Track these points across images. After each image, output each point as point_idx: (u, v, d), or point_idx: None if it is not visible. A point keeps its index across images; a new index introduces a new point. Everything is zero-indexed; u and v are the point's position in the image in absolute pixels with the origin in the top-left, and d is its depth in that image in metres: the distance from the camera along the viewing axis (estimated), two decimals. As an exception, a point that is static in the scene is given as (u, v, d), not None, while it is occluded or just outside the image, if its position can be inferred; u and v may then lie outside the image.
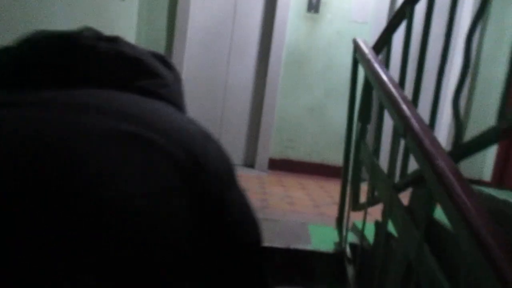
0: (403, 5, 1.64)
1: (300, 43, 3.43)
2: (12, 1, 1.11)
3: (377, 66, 1.61)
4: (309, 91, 3.48)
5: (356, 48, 1.89)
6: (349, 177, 2.01)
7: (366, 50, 1.76)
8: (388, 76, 1.51)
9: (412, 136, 1.11)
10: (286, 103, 3.48)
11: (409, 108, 1.30)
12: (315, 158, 3.53)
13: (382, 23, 3.39)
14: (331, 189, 3.07)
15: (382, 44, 1.87)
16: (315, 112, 3.50)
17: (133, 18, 2.09)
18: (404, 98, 1.37)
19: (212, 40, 3.45)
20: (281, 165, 3.51)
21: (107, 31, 1.80)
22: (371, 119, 1.97)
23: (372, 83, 1.65)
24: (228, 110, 3.52)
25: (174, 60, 3.32)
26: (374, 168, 1.65)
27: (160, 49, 3.35)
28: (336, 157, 3.52)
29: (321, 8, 3.39)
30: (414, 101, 1.49)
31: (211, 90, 3.50)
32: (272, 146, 3.51)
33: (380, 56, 2.02)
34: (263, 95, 3.48)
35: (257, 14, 3.44)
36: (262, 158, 3.49)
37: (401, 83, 1.60)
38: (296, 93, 3.48)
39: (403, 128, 1.19)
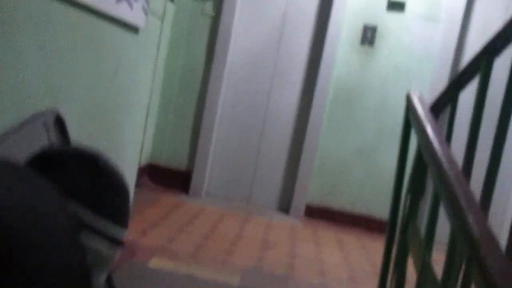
0: (479, 56, 1.24)
1: (351, 78, 3.04)
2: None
3: (432, 138, 1.21)
4: (358, 131, 3.07)
5: (409, 105, 1.49)
6: (392, 261, 1.60)
7: (421, 112, 1.36)
8: (448, 157, 1.12)
9: (477, 260, 0.73)
10: (330, 143, 3.10)
11: (470, 209, 0.91)
12: (360, 209, 3.10)
13: (448, 59, 2.92)
14: (375, 251, 2.63)
15: (444, 102, 1.47)
16: (363, 155, 3.08)
17: (150, 51, 1.85)
18: (466, 193, 0.98)
19: (254, 68, 3.17)
20: (320, 214, 3.12)
21: (111, 67, 1.55)
22: (424, 192, 1.56)
23: (425, 157, 1.25)
24: (265, 146, 3.20)
25: (211, 89, 3.07)
26: (425, 269, 1.25)
27: (197, 77, 3.11)
28: (384, 210, 3.06)
29: (377, 40, 2.99)
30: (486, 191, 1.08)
31: (248, 122, 3.20)
32: (311, 191, 3.12)
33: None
34: (305, 131, 3.13)
35: (304, 44, 3.11)
36: (299, 203, 3.11)
37: (467, 166, 1.19)
38: (343, 133, 3.09)
39: (463, 238, 0.81)
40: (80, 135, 1.39)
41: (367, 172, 3.08)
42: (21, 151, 1.00)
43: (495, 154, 1.10)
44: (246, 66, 3.17)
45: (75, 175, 0.85)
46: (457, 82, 1.38)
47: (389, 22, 2.98)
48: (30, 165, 0.87)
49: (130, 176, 1.86)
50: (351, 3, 2.98)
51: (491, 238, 0.84)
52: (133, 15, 1.62)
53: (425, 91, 2.97)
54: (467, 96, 3.02)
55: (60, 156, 0.87)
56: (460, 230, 0.90)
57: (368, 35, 2.99)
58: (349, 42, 3.02)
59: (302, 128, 3.15)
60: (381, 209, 3.06)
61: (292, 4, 3.10)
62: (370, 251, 2.63)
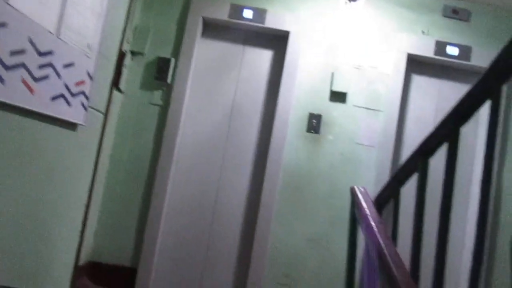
0: (414, 156, 1.27)
1: (299, 165, 3.08)
2: None
3: (379, 239, 1.18)
4: (310, 219, 3.04)
5: (354, 200, 1.49)
6: None
7: (366, 209, 1.35)
8: (394, 259, 1.08)
9: None
10: (282, 232, 3.02)
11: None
12: (315, 300, 2.96)
13: (389, 148, 3.05)
14: None
15: (387, 196, 1.47)
16: (316, 244, 3.02)
17: (90, 146, 1.77)
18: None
19: (203, 156, 3.14)
20: (274, 307, 2.94)
21: (44, 169, 1.45)
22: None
23: (372, 255, 1.22)
24: (215, 236, 3.07)
25: (158, 178, 2.98)
26: None
27: (144, 167, 3.02)
28: (340, 300, 2.94)
29: (322, 128, 3.09)
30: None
31: (197, 212, 3.09)
32: (264, 283, 2.97)
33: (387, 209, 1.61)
34: (255, 220, 3.04)
35: (253, 131, 3.16)
36: (252, 297, 2.93)
37: (415, 267, 1.16)
38: (294, 221, 3.04)
39: None
40: (8, 244, 1.24)
41: (321, 261, 3.00)
42: None
43: (440, 247, 1.09)
44: (195, 155, 3.14)
45: None
46: (397, 179, 1.40)
47: (332, 111, 3.11)
48: None
49: (63, 283, 1.67)
50: (297, 93, 3.11)
51: None
52: (72, 112, 1.57)
53: (372, 176, 3.04)
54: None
55: None
56: None
57: (314, 123, 3.10)
58: (295, 129, 3.10)
59: (253, 216, 3.08)
60: (337, 300, 2.94)
61: (240, 93, 3.19)
62: None
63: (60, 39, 1.43)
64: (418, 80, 3.23)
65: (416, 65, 3.22)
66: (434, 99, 3.21)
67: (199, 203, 3.10)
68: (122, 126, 3.05)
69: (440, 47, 3.11)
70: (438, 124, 1.14)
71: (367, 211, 1.40)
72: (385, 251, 1.17)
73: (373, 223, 1.31)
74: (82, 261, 2.77)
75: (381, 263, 1.16)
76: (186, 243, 3.06)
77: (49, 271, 1.51)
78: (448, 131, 1.10)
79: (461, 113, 1.04)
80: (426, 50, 3.12)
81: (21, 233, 1.33)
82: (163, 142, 3.02)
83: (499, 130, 3.06)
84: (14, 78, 1.22)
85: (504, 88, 3.02)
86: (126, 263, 2.93)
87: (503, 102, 3.06)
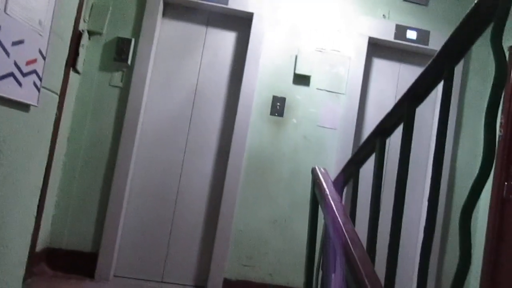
0: (372, 137, 1.30)
1: (263, 148, 3.09)
2: None
3: (338, 217, 1.21)
4: (273, 201, 3.07)
5: (315, 181, 1.51)
6: None
7: (326, 188, 1.38)
8: (352, 237, 1.11)
9: None
10: (246, 214, 3.04)
11: None
12: (279, 280, 3.02)
13: (351, 131, 3.11)
14: (295, 327, 2.53)
15: (347, 177, 1.50)
16: (279, 225, 3.06)
17: (44, 128, 1.70)
18: (370, 276, 0.97)
19: (166, 139, 3.09)
20: (238, 288, 2.98)
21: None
22: (335, 268, 1.54)
23: (331, 236, 1.24)
24: (178, 220, 3.05)
25: (120, 161, 2.91)
26: None
27: (104, 150, 2.94)
28: (303, 280, 3.01)
29: (286, 111, 3.11)
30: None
31: (160, 196, 3.05)
32: (228, 264, 3.00)
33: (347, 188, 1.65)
34: (219, 203, 3.05)
35: (217, 114, 3.14)
36: (216, 278, 2.96)
37: (371, 244, 1.19)
38: (257, 203, 3.06)
39: None
40: None
41: (284, 242, 3.06)
42: None
43: (395, 232, 1.12)
44: (158, 138, 3.09)
45: None
46: (355, 159, 1.43)
47: (296, 94, 3.13)
48: None
49: (18, 271, 1.61)
50: (260, 76, 3.10)
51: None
52: (23, 92, 1.49)
53: (333, 159, 3.10)
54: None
55: None
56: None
57: (278, 106, 3.10)
58: (259, 112, 3.10)
59: (217, 199, 3.08)
60: (300, 280, 3.01)
61: (203, 75, 3.14)
62: (290, 327, 2.52)
63: (7, 14, 1.35)
64: (379, 64, 3.30)
65: (377, 48, 3.27)
66: (394, 82, 3.29)
67: (162, 187, 3.06)
68: (80, 109, 2.94)
69: (400, 31, 3.18)
70: (395, 105, 1.16)
71: (327, 191, 1.42)
72: (343, 229, 1.20)
73: (332, 202, 1.34)
74: (40, 247, 2.68)
75: (339, 240, 1.18)
76: (148, 227, 3.03)
77: (1, 260, 1.45)
78: (403, 112, 1.13)
79: (416, 94, 1.07)
80: (387, 34, 3.18)
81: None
82: (124, 125, 2.95)
83: (455, 111, 3.18)
84: (-44, 54, 1.14)
85: (457, 69, 3.13)
86: (86, 249, 2.87)
87: (457, 83, 3.18)
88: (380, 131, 1.26)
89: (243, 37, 3.18)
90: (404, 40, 3.18)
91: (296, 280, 3.01)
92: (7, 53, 1.38)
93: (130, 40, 2.98)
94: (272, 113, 3.11)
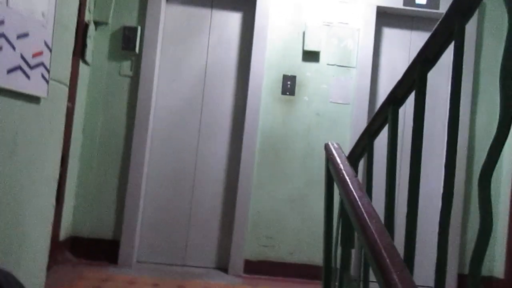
0: (384, 107, 1.27)
1: (276, 128, 3.07)
2: None
3: (353, 191, 1.19)
4: (288, 180, 3.07)
5: (328, 157, 1.49)
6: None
7: (340, 163, 1.36)
8: (368, 211, 1.10)
9: None
10: (262, 194, 3.05)
11: (394, 267, 0.89)
12: (299, 258, 3.04)
13: (364, 104, 3.06)
14: (317, 302, 2.55)
15: (360, 151, 1.48)
16: (296, 204, 3.06)
17: (56, 119, 1.71)
18: (389, 250, 0.95)
19: (179, 124, 3.09)
20: (259, 268, 3.00)
21: (7, 145, 1.40)
22: (355, 243, 1.53)
23: (347, 211, 1.23)
24: (196, 205, 3.08)
25: (135, 149, 2.93)
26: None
27: (119, 139, 2.97)
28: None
29: (297, 89, 3.07)
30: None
31: (177, 180, 3.07)
32: (248, 245, 3.02)
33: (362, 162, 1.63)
34: (236, 184, 3.05)
35: (228, 96, 3.12)
36: (237, 260, 2.99)
37: (389, 217, 1.17)
38: (273, 183, 3.06)
39: None
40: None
41: (302, 220, 3.06)
42: None
43: (412, 203, 1.10)
44: (171, 123, 3.10)
45: None
46: (369, 131, 1.41)
47: (306, 71, 3.09)
48: None
49: (40, 258, 1.65)
50: (269, 55, 3.06)
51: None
52: (31, 85, 1.50)
53: (347, 135, 3.06)
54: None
55: None
56: (386, 290, 0.86)
57: (288, 85, 3.07)
58: (270, 92, 3.07)
59: (233, 181, 3.09)
60: (320, 257, 3.01)
61: (212, 58, 3.12)
62: (313, 303, 2.55)
63: (9, 7, 1.35)
64: (389, 33, 3.22)
65: (386, 17, 3.19)
66: (406, 51, 3.21)
67: (179, 172, 3.08)
68: (92, 100, 2.96)
69: (409, -3, 3.08)
70: (405, 71, 1.13)
71: (341, 166, 1.40)
72: (359, 203, 1.18)
73: (346, 177, 1.32)
74: (63, 236, 2.75)
75: (355, 215, 1.17)
76: (168, 212, 3.06)
77: (23, 247, 1.49)
78: (414, 78, 1.10)
79: (427, 57, 1.03)
80: (395, 1, 3.09)
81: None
82: (136, 113, 2.96)
83: (470, 75, 3.09)
84: (-38, 50, 1.15)
85: (471, 31, 3.02)
86: (107, 236, 2.93)
87: (472, 45, 3.08)
88: (392, 100, 1.22)
89: (248, 16, 3.13)
90: (413, 6, 3.09)
91: (317, 258, 3.02)
92: (13, 47, 1.38)
93: (136, 28, 2.96)
94: (283, 92, 3.07)
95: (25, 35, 1.46)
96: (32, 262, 1.55)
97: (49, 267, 1.73)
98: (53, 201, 1.73)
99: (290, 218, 3.05)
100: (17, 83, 1.40)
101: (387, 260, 0.92)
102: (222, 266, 3.06)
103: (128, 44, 2.97)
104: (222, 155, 3.11)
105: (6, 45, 1.35)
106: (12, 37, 1.38)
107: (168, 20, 3.11)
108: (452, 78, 0.92)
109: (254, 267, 3.00)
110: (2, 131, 1.34)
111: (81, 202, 2.92)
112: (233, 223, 3.02)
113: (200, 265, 3.05)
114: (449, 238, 0.95)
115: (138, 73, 2.98)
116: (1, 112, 1.33)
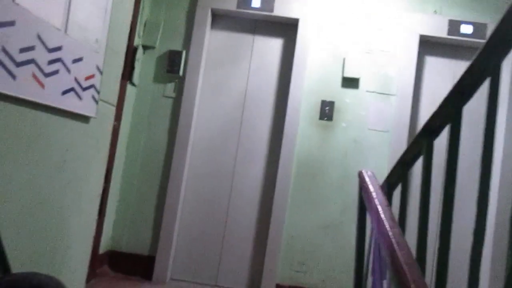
0: (419, 138, 1.27)
1: (312, 153, 3.08)
2: None
3: (384, 221, 1.19)
4: (324, 206, 3.05)
5: (361, 185, 1.49)
6: None
7: (373, 192, 1.36)
8: (399, 242, 1.09)
9: None
10: (297, 219, 3.05)
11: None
12: (331, 286, 2.98)
13: (403, 132, 3.02)
14: (349, 334, 2.49)
15: (396, 180, 1.47)
16: (330, 230, 3.03)
17: (102, 138, 1.82)
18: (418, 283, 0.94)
19: (217, 146, 3.17)
20: (291, 293, 2.97)
21: (57, 161, 1.51)
22: (386, 274, 1.50)
23: (378, 239, 1.22)
24: (231, 225, 3.12)
25: (174, 169, 3.03)
26: None
27: (159, 158, 3.08)
28: (356, 286, 2.95)
29: (335, 115, 3.08)
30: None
31: (213, 201, 3.13)
32: (280, 269, 3.01)
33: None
34: (271, 208, 3.07)
35: (266, 120, 3.18)
36: (268, 283, 2.98)
37: (421, 250, 1.16)
38: (308, 208, 3.05)
39: None
40: (19, 234, 1.30)
41: (336, 248, 3.02)
42: None
43: (444, 241, 1.09)
44: (209, 145, 3.18)
45: None
46: (403, 161, 1.40)
47: (345, 97, 3.10)
48: None
49: (80, 271, 1.74)
50: (308, 80, 3.10)
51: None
52: (82, 105, 1.62)
53: (385, 163, 3.02)
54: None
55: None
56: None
57: (327, 110, 3.09)
58: (308, 117, 3.10)
59: (268, 204, 3.11)
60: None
61: (252, 83, 3.20)
62: (344, 334, 2.49)
63: (67, 35, 1.47)
64: (432, 62, 3.18)
65: (429, 46, 3.16)
66: (449, 80, 3.15)
67: (215, 193, 3.14)
68: (137, 119, 3.11)
69: (454, 26, 3.05)
70: (440, 104, 1.13)
71: (374, 194, 1.40)
72: (390, 232, 1.17)
73: (378, 206, 1.32)
74: (103, 250, 2.86)
75: (385, 244, 1.16)
76: (202, 232, 3.12)
77: (65, 259, 1.57)
78: (450, 111, 1.09)
79: (462, 92, 1.03)
80: (439, 30, 3.06)
81: (37, 222, 1.39)
82: (177, 133, 3.07)
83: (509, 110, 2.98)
84: (25, 73, 1.26)
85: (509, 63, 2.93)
86: (144, 252, 3.01)
87: (507, 78, 2.98)
88: (427, 131, 1.22)
89: (289, 42, 3.20)
90: (458, 36, 3.04)
91: (349, 286, 2.96)
92: (68, 70, 1.50)
93: (181, 52, 3.10)
94: (321, 118, 3.09)
95: (79, 59, 1.58)
96: (73, 273, 1.63)
97: (88, 280, 1.81)
98: (95, 217, 1.82)
99: (324, 245, 3.02)
100: (71, 103, 1.52)
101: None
102: (254, 289, 3.05)
103: (172, 67, 3.12)
104: (258, 178, 3.15)
105: (62, 69, 1.47)
106: (68, 62, 1.51)
107: (211, 45, 3.23)
108: (487, 117, 0.91)
109: (286, 292, 2.98)
110: (54, 148, 1.44)
111: (121, 217, 3.03)
112: (266, 246, 3.03)
113: (232, 286, 3.07)
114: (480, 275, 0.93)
115: (181, 95, 3.11)
116: (54, 130, 1.44)
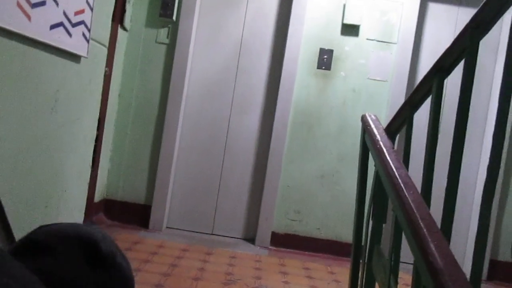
0: (430, 75, 1.21)
1: (310, 103, 3.02)
2: None
3: (389, 161, 1.16)
4: (320, 156, 3.04)
5: (365, 128, 1.45)
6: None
7: (377, 134, 1.32)
8: (405, 180, 1.06)
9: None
10: (293, 169, 3.04)
11: (431, 237, 0.86)
12: (326, 234, 3.03)
13: (403, 80, 2.96)
14: (343, 277, 2.55)
15: (400, 123, 1.43)
16: (326, 180, 3.04)
17: (95, 79, 1.74)
18: (426, 220, 0.93)
19: (212, 95, 3.10)
20: (286, 241, 3.02)
21: (48, 100, 1.43)
22: (386, 217, 1.50)
23: (383, 181, 1.20)
24: (227, 175, 3.10)
25: (168, 118, 2.96)
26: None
27: (153, 106, 3.01)
28: (350, 234, 3.00)
29: (334, 64, 3.00)
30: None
31: (209, 150, 3.10)
32: (276, 218, 3.03)
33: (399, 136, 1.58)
34: (267, 157, 3.05)
35: (262, 68, 3.09)
36: (264, 232, 3.01)
37: (427, 189, 1.14)
38: (304, 158, 3.04)
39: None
40: (14, 173, 1.25)
41: (331, 197, 3.04)
42: None
43: (452, 174, 1.06)
44: (204, 93, 3.10)
45: (68, 264, 0.58)
46: (410, 103, 1.35)
47: (344, 46, 3.00)
48: (15, 251, 0.61)
49: (77, 216, 1.71)
50: (306, 28, 2.99)
51: (455, 267, 0.78)
52: (72, 43, 1.52)
53: (383, 113, 2.98)
54: (423, 113, 3.06)
55: (49, 239, 0.61)
56: (422, 260, 0.84)
57: (325, 59, 3.00)
58: (306, 66, 3.01)
59: (264, 154, 3.09)
60: (347, 233, 3.00)
61: (248, 30, 3.08)
62: (338, 277, 2.54)
63: (54, -37, 1.36)
64: (434, 8, 3.06)
65: (433, -8, 3.03)
66: (452, 28, 3.06)
67: (210, 142, 3.10)
68: (129, 66, 3.00)
69: (460, -29, 2.92)
70: (456, 37, 1.07)
71: (378, 137, 1.36)
72: (396, 174, 1.15)
73: (384, 148, 1.28)
74: (98, 198, 2.84)
75: (391, 186, 1.14)
76: (198, 181, 3.11)
77: (61, 201, 1.54)
78: (465, 45, 1.03)
79: (479, 23, 0.97)
80: (445, -25, 2.93)
81: (32, 163, 1.34)
82: (171, 81, 2.98)
83: None
84: (9, 1, 1.17)
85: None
86: (139, 201, 3.01)
87: None
88: (438, 69, 1.16)
89: (288, -14, 3.05)
90: (464, -19, 2.92)
91: (344, 234, 3.01)
92: (56, 2, 1.39)
93: (174, -5, 2.95)
94: (319, 66, 3.01)
95: (68, -8, 1.47)
96: (69, 218, 1.61)
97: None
98: (89, 161, 1.78)
99: (319, 194, 3.03)
100: (60, 39, 1.42)
101: (424, 230, 0.89)
102: (250, 237, 3.09)
103: (166, 11, 2.97)
104: (254, 126, 3.10)
105: (49, 0, 1.36)
106: (56, -6, 1.40)
107: (206, -12, 3.07)
108: (506, 59, 0.85)
109: (281, 240, 3.02)
110: (44, 86, 1.37)
111: (115, 166, 3.00)
112: (262, 195, 3.03)
113: (227, 234, 3.10)
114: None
115: (175, 41, 2.99)
116: (44, 67, 1.36)
